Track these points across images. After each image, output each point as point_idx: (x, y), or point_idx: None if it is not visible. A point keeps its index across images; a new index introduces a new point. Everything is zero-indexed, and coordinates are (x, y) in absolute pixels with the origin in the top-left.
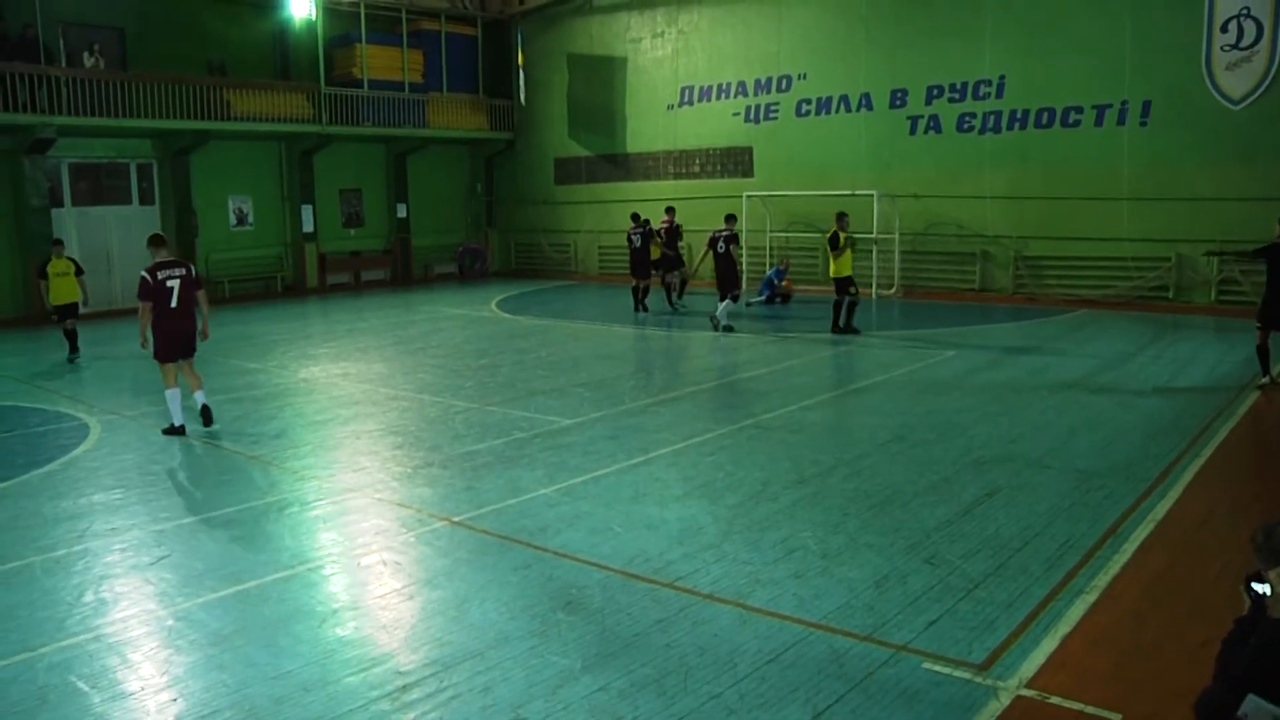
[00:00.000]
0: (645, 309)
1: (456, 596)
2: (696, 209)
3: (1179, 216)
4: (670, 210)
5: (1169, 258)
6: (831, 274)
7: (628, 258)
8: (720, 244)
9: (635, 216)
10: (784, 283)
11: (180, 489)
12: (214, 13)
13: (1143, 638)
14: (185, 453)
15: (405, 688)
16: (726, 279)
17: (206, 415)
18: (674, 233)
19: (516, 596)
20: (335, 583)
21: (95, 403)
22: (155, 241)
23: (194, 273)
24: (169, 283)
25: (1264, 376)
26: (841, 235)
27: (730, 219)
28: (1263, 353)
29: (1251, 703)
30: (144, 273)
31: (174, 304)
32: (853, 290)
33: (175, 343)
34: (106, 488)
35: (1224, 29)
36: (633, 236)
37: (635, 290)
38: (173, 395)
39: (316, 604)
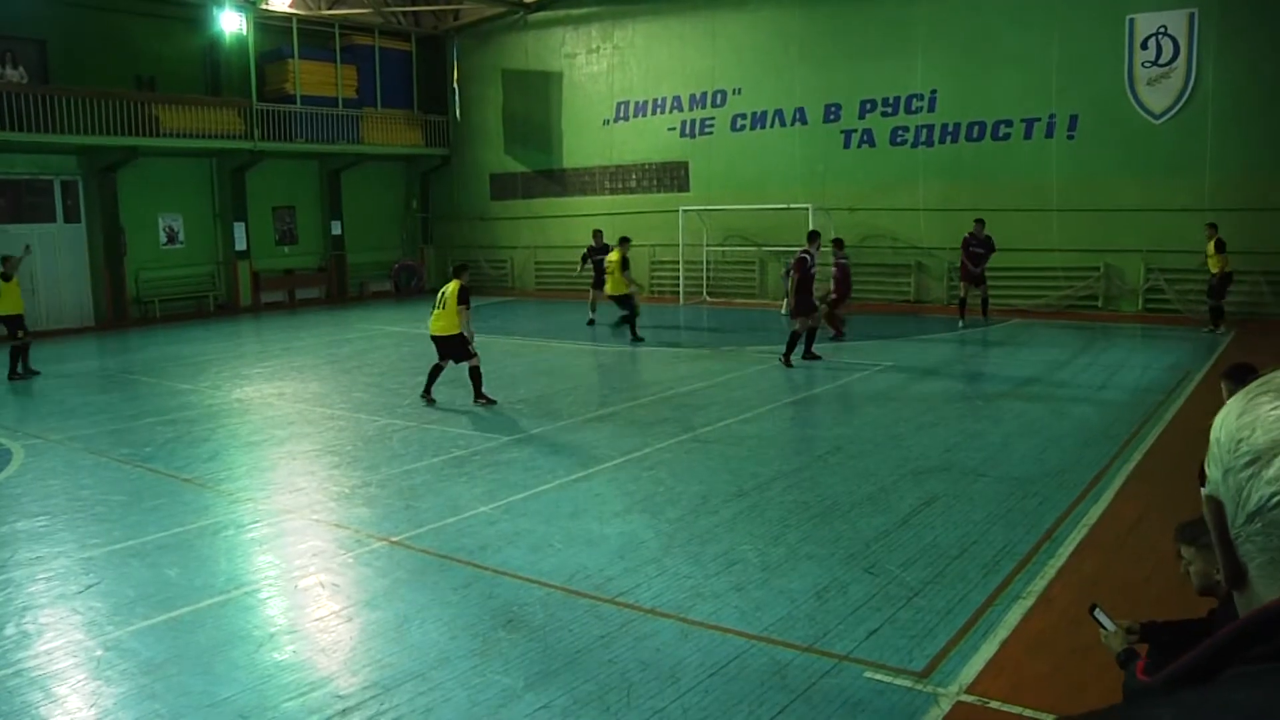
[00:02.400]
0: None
1: (396, 617)
2: (633, 224)
3: (1107, 227)
4: (816, 235)
5: (1098, 267)
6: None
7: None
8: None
9: (813, 236)
10: None
11: (110, 514)
12: (142, 26)
13: (1078, 640)
14: (115, 477)
15: (345, 711)
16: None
17: None
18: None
19: (457, 616)
20: (272, 606)
21: (18, 427)
22: None
23: None
24: None
25: None
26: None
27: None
28: None
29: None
30: None
31: None
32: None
33: None
34: (31, 515)
35: (1144, 46)
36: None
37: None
38: None
39: (253, 628)
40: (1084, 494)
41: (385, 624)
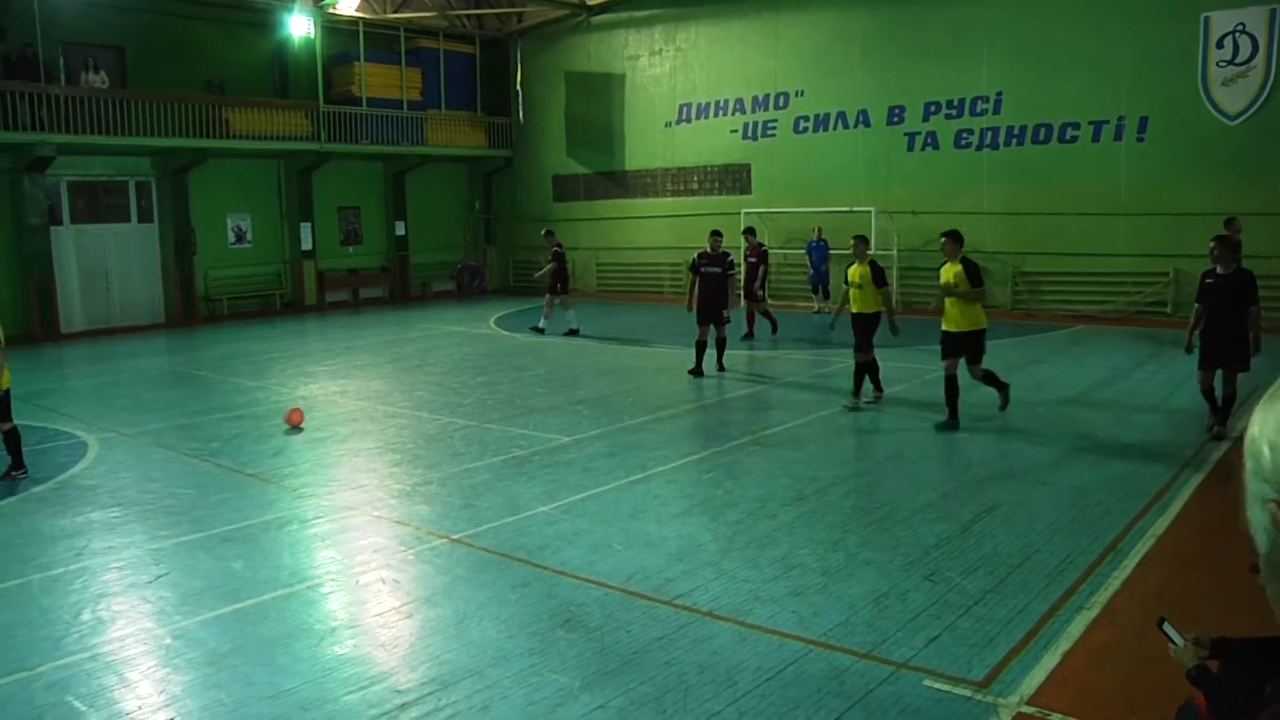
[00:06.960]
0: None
1: (455, 614)
2: (695, 226)
3: (1177, 231)
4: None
5: (1166, 273)
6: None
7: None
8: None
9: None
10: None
11: (178, 507)
12: (213, 32)
13: (1143, 653)
14: (183, 471)
15: (404, 706)
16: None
17: None
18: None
19: (515, 614)
20: (334, 601)
21: (93, 420)
22: None
23: None
24: None
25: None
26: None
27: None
28: (1208, 395)
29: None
30: None
31: None
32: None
33: None
34: (104, 506)
35: (1219, 45)
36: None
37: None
38: None
39: (315, 622)
40: (1149, 505)
41: (444, 621)
